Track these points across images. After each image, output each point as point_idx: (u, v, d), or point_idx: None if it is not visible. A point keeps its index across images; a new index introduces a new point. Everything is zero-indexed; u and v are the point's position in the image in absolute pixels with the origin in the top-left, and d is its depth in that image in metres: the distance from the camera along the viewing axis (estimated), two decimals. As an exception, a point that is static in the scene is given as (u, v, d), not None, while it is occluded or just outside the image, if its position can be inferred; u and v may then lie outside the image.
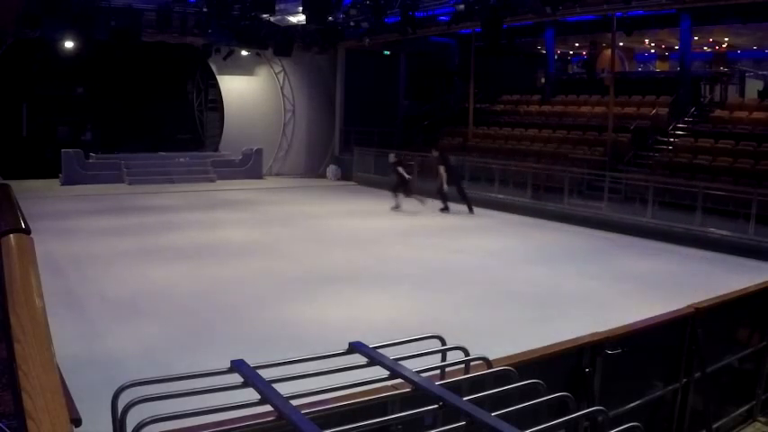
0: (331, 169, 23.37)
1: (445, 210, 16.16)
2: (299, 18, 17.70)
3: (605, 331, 4.18)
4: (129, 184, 20.38)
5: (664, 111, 18.14)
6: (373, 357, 2.77)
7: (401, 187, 16.67)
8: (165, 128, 25.92)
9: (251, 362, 2.62)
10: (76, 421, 1.92)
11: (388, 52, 23.71)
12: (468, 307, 8.74)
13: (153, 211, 15.99)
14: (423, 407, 2.50)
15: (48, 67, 21.72)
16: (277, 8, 16.48)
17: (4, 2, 9.35)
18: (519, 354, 3.62)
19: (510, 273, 10.59)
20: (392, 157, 17.25)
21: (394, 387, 2.75)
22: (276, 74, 23.58)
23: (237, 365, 2.58)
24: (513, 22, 18.08)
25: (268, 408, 2.37)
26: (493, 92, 23.82)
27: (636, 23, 18.45)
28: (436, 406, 2.47)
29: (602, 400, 3.81)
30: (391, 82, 24.33)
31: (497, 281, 10.11)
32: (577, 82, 25.18)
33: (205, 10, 17.62)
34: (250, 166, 22.83)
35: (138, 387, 2.40)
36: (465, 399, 2.48)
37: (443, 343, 3.11)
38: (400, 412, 2.65)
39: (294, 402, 2.35)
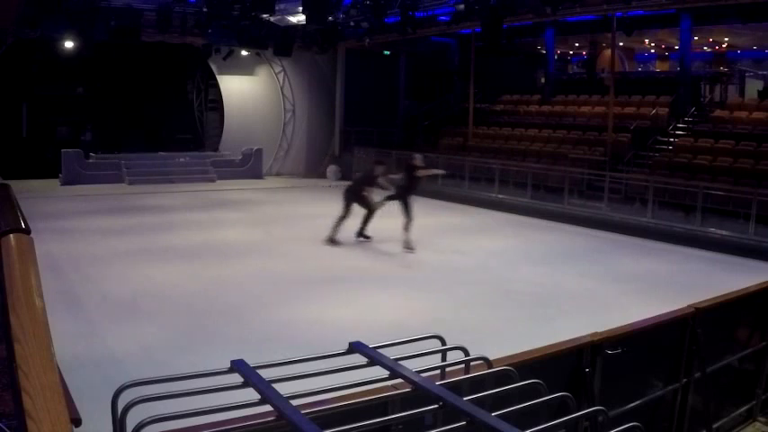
0: (331, 169, 23.36)
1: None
2: (299, 18, 17.69)
3: (605, 331, 4.18)
4: (129, 184, 20.37)
5: (664, 111, 18.14)
6: (373, 357, 2.77)
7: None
8: (165, 128, 25.92)
9: (251, 362, 2.62)
10: (76, 421, 1.92)
11: (388, 52, 23.69)
12: (468, 307, 8.73)
13: (153, 211, 15.99)
14: (423, 407, 2.51)
15: (48, 67, 21.74)
16: (277, 8, 16.47)
17: (4, 2, 9.33)
18: (519, 354, 3.62)
19: (510, 273, 10.59)
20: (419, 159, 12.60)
21: (394, 387, 2.75)
22: (276, 74, 23.57)
23: (237, 365, 2.59)
24: (513, 22, 18.07)
25: (268, 408, 2.37)
26: (493, 92, 23.81)
27: (636, 23, 18.44)
28: (436, 406, 2.48)
29: (602, 400, 3.82)
30: (391, 82, 24.31)
31: (497, 281, 10.10)
32: (577, 82, 25.18)
33: (205, 10, 17.60)
34: (250, 166, 22.82)
35: (138, 387, 2.41)
36: (465, 399, 2.49)
37: (443, 343, 3.11)
38: (400, 412, 2.65)
39: (294, 402, 2.35)
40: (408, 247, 11.63)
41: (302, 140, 24.13)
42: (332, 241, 12.10)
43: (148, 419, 2.19)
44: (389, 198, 12.34)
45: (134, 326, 7.54)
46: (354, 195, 12.38)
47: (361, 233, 12.41)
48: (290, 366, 2.68)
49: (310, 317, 8.01)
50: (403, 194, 11.96)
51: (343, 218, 12.20)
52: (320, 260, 11.25)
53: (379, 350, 2.85)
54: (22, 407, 1.55)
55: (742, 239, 12.32)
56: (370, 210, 12.36)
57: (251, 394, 2.43)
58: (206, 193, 19.45)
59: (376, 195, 12.54)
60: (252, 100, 24.31)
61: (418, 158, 12.56)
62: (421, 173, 12.24)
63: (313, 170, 23.98)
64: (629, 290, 9.63)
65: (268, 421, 2.40)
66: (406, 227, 11.69)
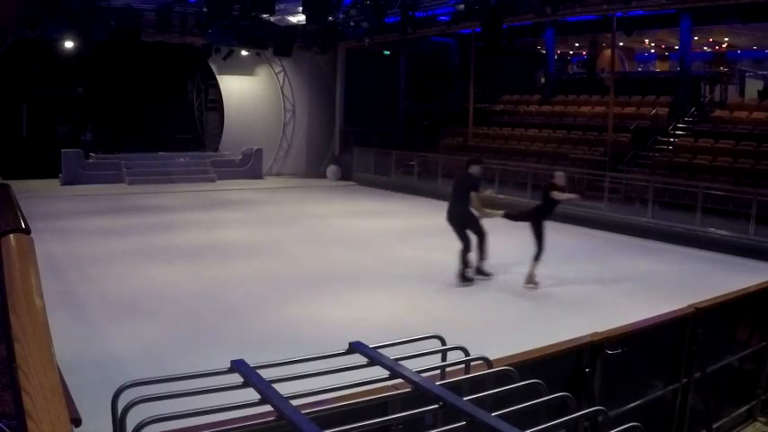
0: (331, 169, 23.37)
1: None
2: (299, 18, 17.70)
3: (605, 331, 4.18)
4: (129, 184, 20.38)
5: (664, 111, 18.14)
6: (373, 357, 2.77)
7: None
8: (165, 128, 25.92)
9: (251, 362, 2.62)
10: (76, 421, 1.92)
11: (388, 52, 23.70)
12: (468, 307, 8.73)
13: (153, 211, 15.99)
14: (423, 407, 2.51)
15: (48, 67, 21.71)
16: (277, 8, 16.47)
17: (4, 2, 9.34)
18: (519, 354, 3.62)
19: (510, 273, 10.58)
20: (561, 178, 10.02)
21: (394, 387, 2.75)
22: (276, 74, 23.58)
23: (237, 365, 2.59)
24: (513, 22, 18.08)
25: (268, 408, 2.37)
26: (493, 92, 23.82)
27: (636, 23, 18.45)
28: (436, 406, 2.48)
29: (602, 400, 3.81)
30: (391, 82, 24.32)
31: (497, 281, 10.10)
32: (577, 82, 25.18)
33: (205, 10, 17.61)
34: (250, 166, 22.83)
35: (139, 387, 2.41)
36: (465, 399, 2.49)
37: (443, 343, 3.11)
38: (401, 412, 2.65)
39: (294, 402, 2.35)
40: (532, 282, 9.60)
41: (302, 140, 24.14)
42: (465, 279, 9.72)
43: (148, 419, 2.19)
44: (511, 217, 10.03)
45: (134, 326, 7.54)
46: (461, 219, 9.81)
47: (480, 269, 9.96)
48: (290, 366, 2.68)
49: (310, 317, 8.01)
50: (536, 218, 9.81)
51: (466, 250, 9.75)
52: (320, 260, 11.24)
53: (379, 350, 2.85)
54: (22, 407, 1.55)
55: (742, 239, 12.31)
56: (481, 234, 9.87)
57: (251, 394, 2.43)
58: (206, 193, 19.45)
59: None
60: (252, 100, 24.31)
61: (559, 176, 10.00)
62: (557, 195, 9.75)
63: (313, 170, 23.99)
64: (629, 290, 9.63)
65: (268, 421, 2.40)
66: (537, 257, 9.56)
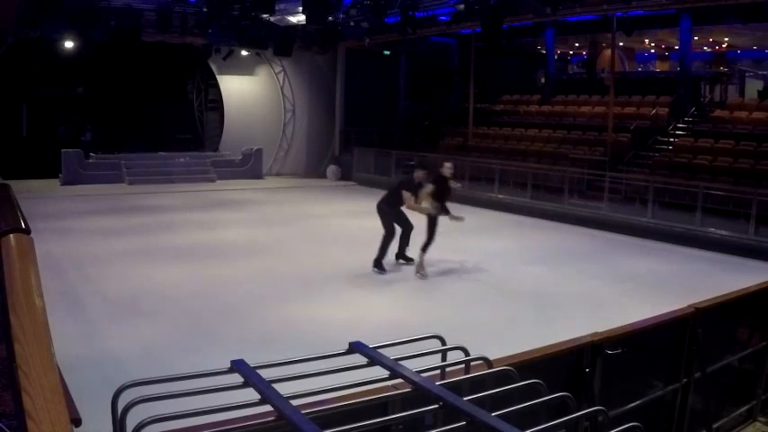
0: (331, 169, 23.37)
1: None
2: (299, 18, 17.69)
3: (605, 331, 4.18)
4: (129, 184, 20.38)
5: (664, 111, 18.14)
6: (373, 357, 2.77)
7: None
8: (165, 128, 25.92)
9: (251, 362, 2.63)
10: (76, 421, 1.92)
11: (388, 52, 23.70)
12: (467, 307, 8.73)
13: (153, 211, 15.99)
14: (423, 407, 2.51)
15: (48, 67, 21.71)
16: (277, 8, 16.46)
17: (4, 2, 9.34)
18: (519, 354, 3.62)
19: (510, 273, 10.59)
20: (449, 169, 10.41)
21: (394, 387, 2.75)
22: (276, 74, 23.58)
23: (237, 365, 2.59)
24: (513, 22, 18.07)
25: (268, 408, 2.38)
26: (493, 92, 23.81)
27: (636, 23, 18.45)
28: (436, 406, 2.48)
29: (602, 400, 3.82)
30: (391, 82, 24.32)
31: (497, 281, 10.10)
32: (577, 82, 25.19)
33: (205, 10, 17.60)
34: (250, 166, 22.83)
35: (139, 387, 2.41)
36: (465, 399, 2.49)
37: (443, 343, 3.11)
38: (401, 412, 2.65)
39: (294, 402, 2.35)
40: (420, 272, 10.01)
41: (302, 140, 24.14)
42: (379, 267, 10.29)
43: (148, 419, 2.19)
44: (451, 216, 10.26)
45: (134, 326, 7.54)
46: (389, 211, 10.37)
47: (401, 254, 10.74)
48: (290, 366, 2.68)
49: (310, 317, 8.01)
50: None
51: (387, 239, 10.36)
52: (320, 260, 11.24)
53: (379, 350, 2.85)
54: (22, 407, 1.55)
55: (742, 239, 12.32)
56: (407, 227, 10.51)
57: (251, 394, 2.44)
58: (206, 193, 19.45)
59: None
60: (252, 100, 24.32)
61: (447, 167, 10.34)
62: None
63: (313, 170, 23.99)
64: (629, 290, 9.63)
65: (268, 421, 2.40)
66: (424, 248, 9.94)
